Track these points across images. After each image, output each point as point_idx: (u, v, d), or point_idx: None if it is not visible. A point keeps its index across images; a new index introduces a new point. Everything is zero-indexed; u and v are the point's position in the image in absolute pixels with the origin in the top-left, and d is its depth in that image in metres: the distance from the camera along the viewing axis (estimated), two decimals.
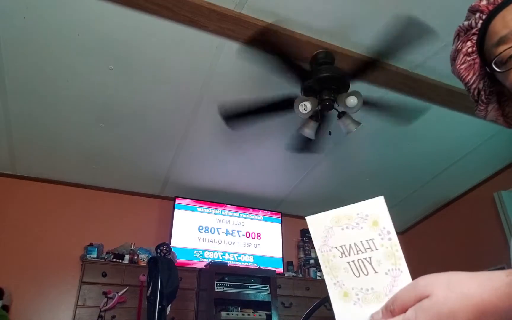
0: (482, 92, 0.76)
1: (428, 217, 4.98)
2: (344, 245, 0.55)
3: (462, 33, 0.76)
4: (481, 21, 0.72)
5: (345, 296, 0.55)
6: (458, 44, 0.76)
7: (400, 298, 0.49)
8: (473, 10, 0.74)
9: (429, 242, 4.81)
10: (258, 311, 3.47)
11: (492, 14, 0.70)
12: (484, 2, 0.72)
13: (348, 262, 0.55)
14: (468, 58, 0.75)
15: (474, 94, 0.77)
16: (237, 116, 2.60)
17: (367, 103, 2.52)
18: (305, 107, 2.37)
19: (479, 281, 0.46)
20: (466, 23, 0.75)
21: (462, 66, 0.76)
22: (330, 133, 2.72)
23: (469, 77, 0.75)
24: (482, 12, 0.72)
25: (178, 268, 3.25)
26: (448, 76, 2.77)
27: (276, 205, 4.53)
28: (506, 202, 3.89)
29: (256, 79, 2.71)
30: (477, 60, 0.74)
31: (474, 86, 0.76)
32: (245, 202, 4.37)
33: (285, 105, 2.51)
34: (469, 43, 0.74)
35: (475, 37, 0.73)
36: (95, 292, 3.24)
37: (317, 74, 2.37)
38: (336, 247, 0.56)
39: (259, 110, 2.56)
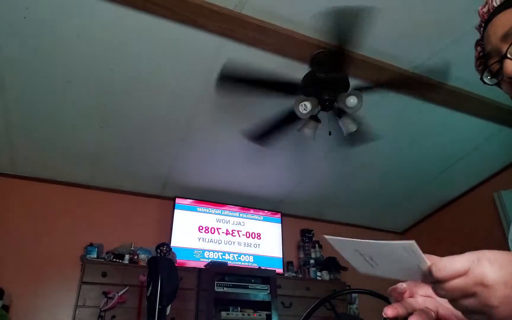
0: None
1: (428, 217, 4.98)
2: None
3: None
4: (482, 29, 0.74)
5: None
6: (475, 46, 0.79)
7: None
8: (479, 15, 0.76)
9: (429, 242, 4.80)
10: (258, 311, 3.47)
11: (484, 27, 0.72)
12: (484, 9, 0.72)
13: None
14: (482, 60, 0.77)
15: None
16: (233, 79, 2.47)
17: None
18: (305, 107, 2.37)
19: None
20: (477, 25, 0.77)
21: (479, 69, 0.78)
22: (330, 133, 2.72)
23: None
24: (481, 19, 0.73)
25: (178, 268, 3.25)
26: (449, 76, 2.78)
27: (276, 205, 4.53)
28: (506, 202, 3.89)
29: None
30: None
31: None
32: (245, 202, 4.37)
33: (285, 88, 2.47)
34: (479, 48, 0.77)
35: (482, 42, 0.76)
36: (95, 292, 3.24)
37: (317, 74, 2.37)
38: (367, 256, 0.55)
39: (256, 82, 2.46)
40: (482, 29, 0.73)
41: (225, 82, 2.49)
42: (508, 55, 0.65)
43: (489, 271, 0.44)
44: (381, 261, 0.53)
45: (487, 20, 0.70)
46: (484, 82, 0.76)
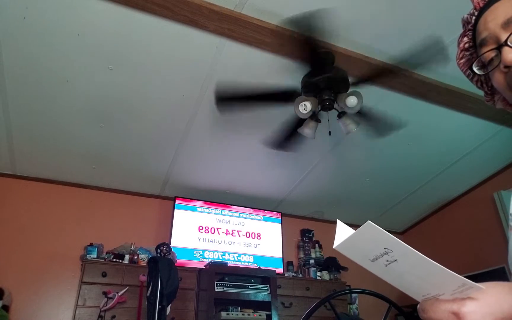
0: (485, 85, 0.75)
1: (428, 217, 4.98)
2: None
3: (463, 27, 0.76)
4: (474, 18, 0.72)
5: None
6: (459, 39, 0.76)
7: None
8: (472, 3, 0.73)
9: (429, 242, 4.80)
10: (258, 311, 3.47)
11: (479, 14, 0.70)
12: None
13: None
14: (466, 53, 0.75)
15: (478, 86, 0.77)
16: (230, 99, 2.53)
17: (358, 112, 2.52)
18: (305, 107, 2.37)
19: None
20: (465, 16, 0.74)
21: (461, 61, 0.76)
22: (330, 133, 2.72)
23: (468, 71, 0.76)
24: (475, 8, 0.71)
25: (178, 268, 3.24)
26: (448, 76, 2.78)
27: (276, 205, 4.53)
28: (506, 202, 3.89)
29: (255, 79, 2.71)
30: (475, 55, 0.73)
31: (475, 79, 0.76)
32: (245, 202, 4.38)
33: (283, 97, 2.49)
34: (465, 39, 0.74)
35: (471, 33, 0.73)
36: (95, 292, 3.24)
37: (317, 74, 2.37)
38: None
39: (254, 97, 2.50)
40: (474, 17, 0.71)
41: (223, 103, 2.56)
42: (509, 43, 0.63)
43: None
44: (404, 269, 0.50)
45: (482, 7, 0.69)
46: (473, 72, 0.74)
